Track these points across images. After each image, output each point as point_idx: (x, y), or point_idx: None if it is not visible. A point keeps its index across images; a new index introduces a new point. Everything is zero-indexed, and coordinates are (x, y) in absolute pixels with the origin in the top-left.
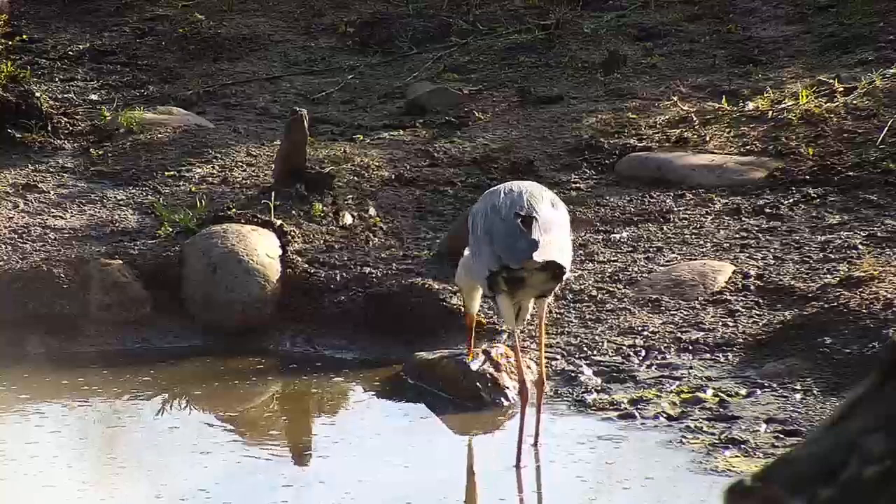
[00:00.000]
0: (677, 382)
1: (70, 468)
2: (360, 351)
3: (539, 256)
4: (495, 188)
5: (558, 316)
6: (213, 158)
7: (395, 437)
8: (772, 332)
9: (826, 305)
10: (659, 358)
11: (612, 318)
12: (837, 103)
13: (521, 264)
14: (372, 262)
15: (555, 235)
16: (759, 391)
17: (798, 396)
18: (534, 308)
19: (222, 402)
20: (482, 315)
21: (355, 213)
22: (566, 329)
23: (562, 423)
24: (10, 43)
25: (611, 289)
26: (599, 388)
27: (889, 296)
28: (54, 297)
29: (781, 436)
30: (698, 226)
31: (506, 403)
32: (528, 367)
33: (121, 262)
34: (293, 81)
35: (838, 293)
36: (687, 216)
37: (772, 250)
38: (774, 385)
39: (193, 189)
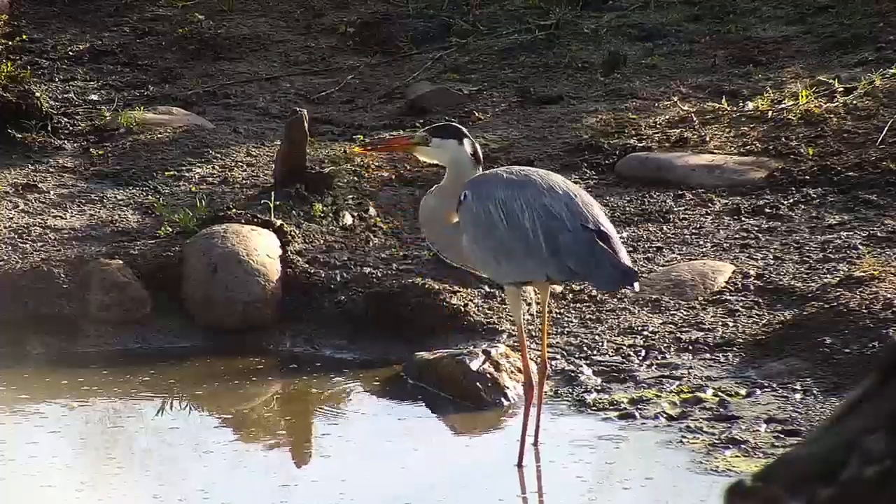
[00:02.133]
0: (677, 382)
1: (69, 468)
2: (360, 351)
3: (638, 286)
4: (517, 177)
5: (558, 316)
6: (213, 158)
7: (395, 436)
8: (772, 332)
9: (826, 305)
10: (659, 358)
11: (612, 318)
12: (837, 103)
13: (615, 289)
14: (372, 262)
15: (623, 251)
16: (759, 391)
17: (798, 396)
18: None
19: (222, 402)
20: (482, 315)
21: (355, 213)
22: (566, 329)
23: (562, 423)
24: (10, 43)
25: None
26: (599, 388)
27: (889, 296)
28: (54, 297)
29: (781, 436)
30: (698, 226)
31: (506, 403)
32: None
33: (121, 262)
34: (293, 81)
35: (838, 293)
36: (687, 216)
37: (772, 250)
38: (774, 385)
39: (193, 189)
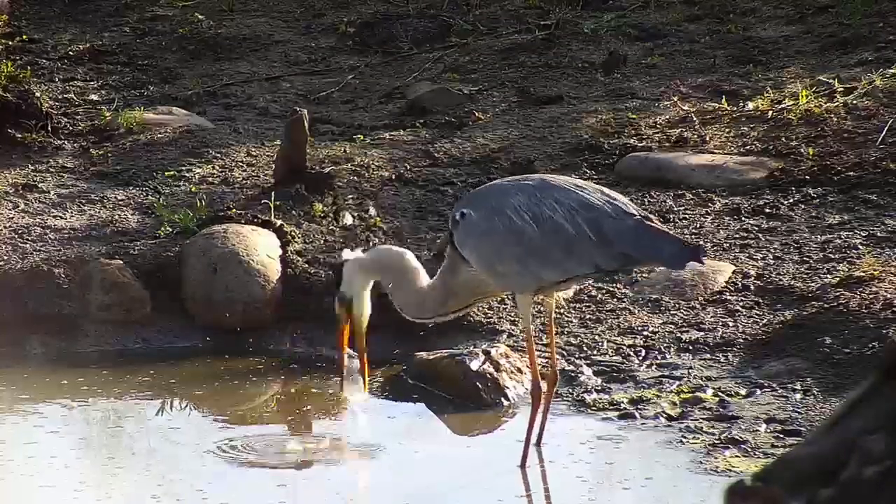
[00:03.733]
0: (677, 382)
1: (69, 468)
2: None
3: (705, 258)
4: (532, 181)
5: (558, 316)
6: (213, 158)
7: (395, 436)
8: (772, 332)
9: (826, 305)
10: (659, 358)
11: (612, 318)
12: (837, 103)
13: (684, 266)
14: None
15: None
16: (759, 391)
17: (798, 396)
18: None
19: (222, 402)
20: (482, 315)
21: (355, 213)
22: (566, 329)
23: (562, 423)
24: (10, 43)
25: (611, 289)
26: (599, 388)
27: (889, 296)
28: (54, 297)
29: (781, 436)
30: (698, 226)
31: (506, 404)
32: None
33: (121, 262)
34: (293, 81)
35: (838, 293)
36: (687, 216)
37: (772, 250)
38: (774, 385)
39: (193, 189)
